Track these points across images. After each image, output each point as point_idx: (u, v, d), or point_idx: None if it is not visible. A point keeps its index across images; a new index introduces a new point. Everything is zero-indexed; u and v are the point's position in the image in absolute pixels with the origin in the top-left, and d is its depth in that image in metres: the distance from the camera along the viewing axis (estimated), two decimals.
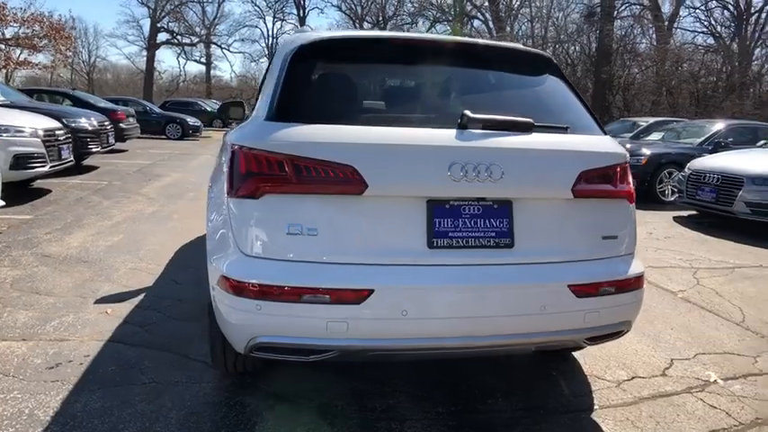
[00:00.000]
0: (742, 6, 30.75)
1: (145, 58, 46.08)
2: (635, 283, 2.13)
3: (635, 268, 2.15)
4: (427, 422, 2.25)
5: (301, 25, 50.51)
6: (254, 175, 1.89)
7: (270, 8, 49.14)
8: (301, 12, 48.42)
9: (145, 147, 14.86)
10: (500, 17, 32.02)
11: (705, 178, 6.78)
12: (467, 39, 2.49)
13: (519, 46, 2.39)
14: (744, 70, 22.77)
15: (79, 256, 4.34)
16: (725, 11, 32.72)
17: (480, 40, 2.43)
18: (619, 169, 2.15)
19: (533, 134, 2.02)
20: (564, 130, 2.12)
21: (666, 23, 30.52)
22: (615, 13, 25.35)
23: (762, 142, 8.38)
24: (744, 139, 9.08)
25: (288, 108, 1.99)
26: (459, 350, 1.97)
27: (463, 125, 1.96)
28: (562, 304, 1.96)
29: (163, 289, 3.69)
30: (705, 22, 32.52)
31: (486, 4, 33.74)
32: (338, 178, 1.83)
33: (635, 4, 29.69)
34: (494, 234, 1.94)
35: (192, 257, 4.42)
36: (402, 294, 1.83)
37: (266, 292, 1.81)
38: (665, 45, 23.76)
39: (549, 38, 31.16)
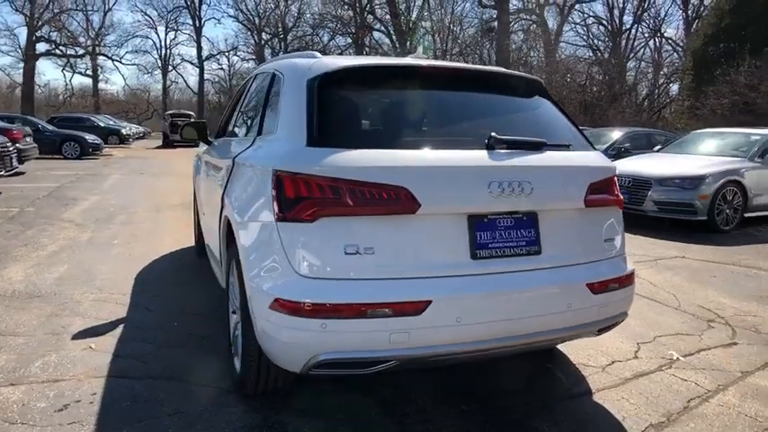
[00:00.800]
0: (616, 24, 34.20)
1: (21, 71, 42.42)
2: (631, 279, 2.45)
3: (629, 266, 2.47)
4: (460, 419, 2.41)
5: (198, 36, 48.48)
6: (307, 200, 1.96)
7: (162, 18, 47.18)
8: (197, 22, 46.94)
9: (44, 168, 13.73)
10: (402, 30, 33.06)
11: (619, 182, 7.50)
12: (475, 66, 2.70)
13: (517, 72, 2.65)
14: (621, 81, 25.28)
15: (29, 291, 4.04)
16: (600, 26, 36.21)
17: (486, 67, 2.67)
18: (614, 180, 2.46)
19: (546, 152, 2.27)
20: (567, 147, 2.40)
21: (552, 38, 33.16)
22: (510, 28, 27.17)
23: (657, 147, 9.43)
24: (640, 144, 10.19)
25: (327, 133, 2.09)
26: (500, 349, 2.16)
27: (491, 146, 2.17)
28: (583, 301, 2.23)
29: (139, 319, 3.56)
30: (584, 37, 35.78)
31: (388, 17, 34.68)
32: (392, 199, 1.96)
33: (525, 19, 32.01)
34: (524, 243, 2.16)
35: (155, 284, 4.28)
36: (456, 303, 1.99)
37: (332, 311, 1.89)
38: (553, 58, 25.83)
39: (449, 50, 32.64)
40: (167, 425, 2.31)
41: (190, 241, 5.54)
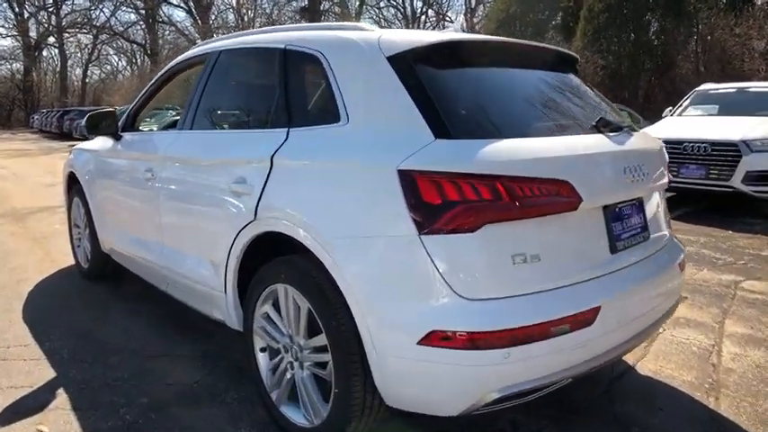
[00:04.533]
0: (409, 10, 36.37)
1: None
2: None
3: None
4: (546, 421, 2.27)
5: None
6: (462, 204, 1.60)
7: None
8: None
9: None
10: (202, 4, 30.85)
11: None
12: (543, 44, 2.49)
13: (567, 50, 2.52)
14: None
15: None
16: (398, 12, 38.16)
17: (553, 46, 2.48)
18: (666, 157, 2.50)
19: (633, 134, 2.20)
20: (633, 128, 2.36)
21: (353, 21, 33.91)
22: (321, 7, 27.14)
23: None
24: None
25: (456, 122, 1.73)
26: (631, 348, 2.05)
27: (599, 129, 2.01)
28: (678, 281, 2.24)
29: (75, 372, 2.68)
30: (378, 18, 37.40)
31: None
32: (556, 196, 1.69)
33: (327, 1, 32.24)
34: (639, 229, 2.07)
35: (56, 323, 3.27)
36: (616, 304, 1.82)
37: (519, 336, 1.58)
38: None
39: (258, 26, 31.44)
40: None
41: (63, 261, 4.42)
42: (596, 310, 1.73)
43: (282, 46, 2.30)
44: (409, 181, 1.63)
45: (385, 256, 1.69)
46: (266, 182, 2.08)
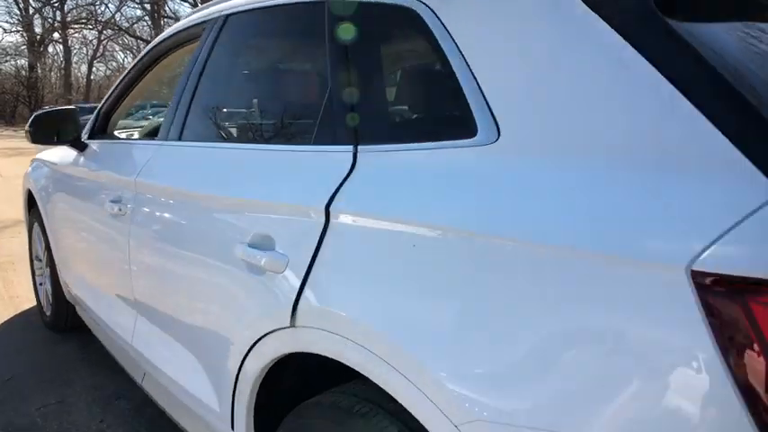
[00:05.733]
0: None
1: None
2: None
3: None
4: None
5: None
6: None
7: None
8: None
9: None
10: None
11: None
12: None
13: None
14: None
15: None
16: None
17: None
18: None
19: None
20: None
21: None
22: None
23: None
24: None
25: None
26: None
27: None
28: None
29: None
30: None
31: None
32: None
33: None
34: None
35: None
36: None
37: None
38: None
39: None
40: None
41: (27, 299, 3.44)
42: None
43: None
44: (734, 307, 0.61)
45: None
46: (316, 254, 1.06)
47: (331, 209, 1.06)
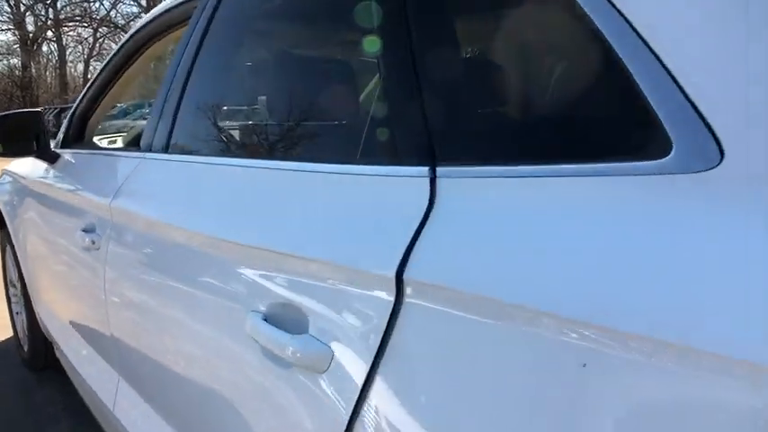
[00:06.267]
0: None
1: None
2: None
3: None
4: None
5: None
6: None
7: None
8: None
9: None
10: None
11: None
12: None
13: None
14: None
15: None
16: None
17: None
18: None
19: None
20: None
21: None
22: None
23: None
24: None
25: None
26: None
27: None
28: None
29: None
30: None
31: None
32: None
33: None
34: None
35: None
36: None
37: None
38: None
39: None
40: None
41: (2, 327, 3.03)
42: None
43: None
44: None
45: None
46: (381, 350, 0.65)
47: (406, 275, 0.64)
